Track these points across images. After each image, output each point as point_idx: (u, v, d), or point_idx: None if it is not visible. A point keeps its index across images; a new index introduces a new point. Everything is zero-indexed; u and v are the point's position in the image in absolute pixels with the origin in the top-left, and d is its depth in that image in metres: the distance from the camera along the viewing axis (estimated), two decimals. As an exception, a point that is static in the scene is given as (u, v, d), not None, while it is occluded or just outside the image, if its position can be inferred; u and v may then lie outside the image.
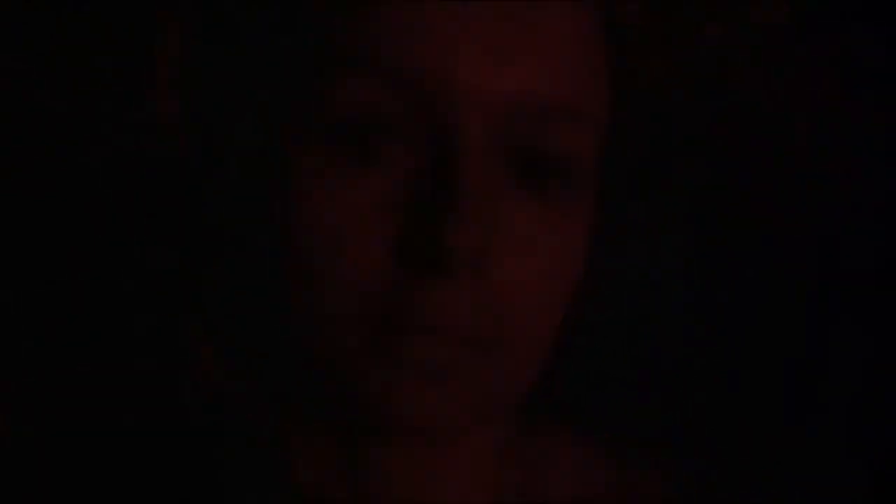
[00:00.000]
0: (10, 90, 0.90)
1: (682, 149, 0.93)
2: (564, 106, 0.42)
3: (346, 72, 0.40)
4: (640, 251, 0.99)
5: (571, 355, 0.71)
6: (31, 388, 0.87)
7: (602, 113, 0.44)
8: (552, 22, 0.42)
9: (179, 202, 0.56)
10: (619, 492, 0.51)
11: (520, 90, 0.40)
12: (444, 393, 0.40)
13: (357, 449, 0.45)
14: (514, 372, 0.43)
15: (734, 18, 0.69)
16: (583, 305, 0.66)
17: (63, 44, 0.95)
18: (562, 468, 0.50)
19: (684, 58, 0.60)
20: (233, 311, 0.46)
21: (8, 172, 0.87)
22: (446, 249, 0.38)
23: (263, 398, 0.47)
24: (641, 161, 0.94)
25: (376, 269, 0.40)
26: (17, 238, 0.89)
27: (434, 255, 0.39)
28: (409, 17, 0.40)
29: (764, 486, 0.83)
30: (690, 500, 0.52)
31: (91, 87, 0.95)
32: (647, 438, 0.54)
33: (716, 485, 0.54)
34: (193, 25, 0.49)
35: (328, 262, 0.41)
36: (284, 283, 0.42)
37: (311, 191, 0.41)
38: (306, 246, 0.41)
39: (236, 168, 0.46)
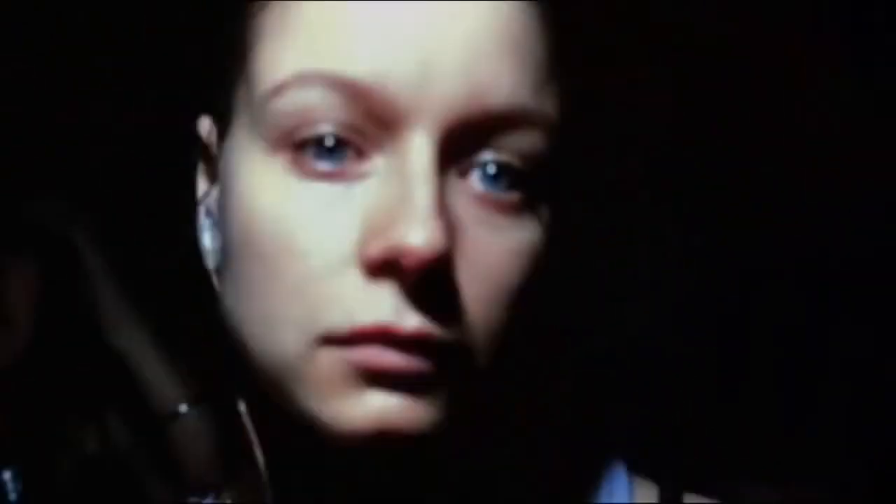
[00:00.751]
0: (10, 90, 0.90)
1: (681, 149, 0.93)
2: (516, 111, 0.42)
3: (299, 83, 0.40)
4: (640, 251, 0.99)
5: (568, 355, 0.71)
6: (31, 387, 0.87)
7: (558, 117, 0.43)
8: (502, 27, 0.42)
9: (179, 203, 0.56)
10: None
11: (470, 97, 0.41)
12: (398, 400, 0.40)
13: (316, 454, 0.45)
14: (470, 377, 0.42)
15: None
16: (582, 306, 0.66)
17: (63, 44, 0.95)
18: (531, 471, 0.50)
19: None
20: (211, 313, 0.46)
21: (8, 172, 0.88)
22: (401, 255, 0.38)
23: (234, 398, 0.47)
24: (642, 162, 0.94)
25: (331, 273, 0.40)
26: (18, 238, 0.89)
27: (389, 261, 0.39)
28: (357, 27, 0.40)
29: (764, 485, 0.83)
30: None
31: (91, 87, 0.95)
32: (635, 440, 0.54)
33: (714, 485, 0.54)
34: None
35: (282, 266, 0.41)
36: (240, 286, 0.42)
37: (267, 196, 0.41)
38: (262, 249, 0.41)
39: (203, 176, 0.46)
